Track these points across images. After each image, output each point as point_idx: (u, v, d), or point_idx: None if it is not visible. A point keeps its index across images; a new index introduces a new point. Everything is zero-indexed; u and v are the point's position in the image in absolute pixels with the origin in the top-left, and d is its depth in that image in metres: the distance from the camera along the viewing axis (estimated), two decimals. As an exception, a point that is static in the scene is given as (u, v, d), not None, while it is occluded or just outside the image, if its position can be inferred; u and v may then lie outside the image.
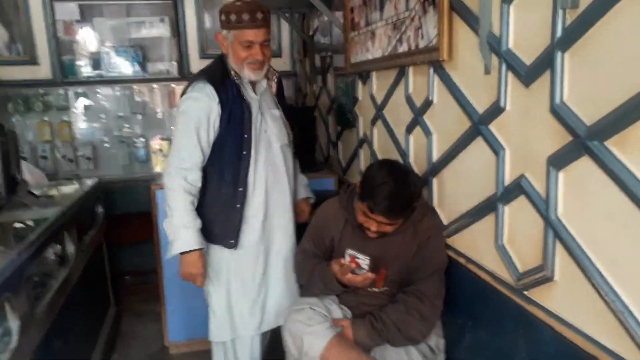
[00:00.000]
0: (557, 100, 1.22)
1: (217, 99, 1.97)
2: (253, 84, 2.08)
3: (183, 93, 2.07)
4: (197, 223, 2.00)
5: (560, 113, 1.22)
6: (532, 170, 1.36)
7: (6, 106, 4.00)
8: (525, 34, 1.35)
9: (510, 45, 1.40)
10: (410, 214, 1.82)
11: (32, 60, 3.90)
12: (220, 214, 2.07)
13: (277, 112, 2.16)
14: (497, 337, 1.60)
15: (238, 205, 2.05)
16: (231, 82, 2.02)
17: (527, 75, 1.33)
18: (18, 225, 2.33)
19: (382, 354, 1.83)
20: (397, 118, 2.23)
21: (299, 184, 2.34)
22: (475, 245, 1.70)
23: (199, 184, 2.02)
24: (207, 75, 2.02)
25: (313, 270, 1.94)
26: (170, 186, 1.98)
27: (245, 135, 2.02)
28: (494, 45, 1.46)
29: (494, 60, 1.47)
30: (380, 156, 2.46)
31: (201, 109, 1.97)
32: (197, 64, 4.13)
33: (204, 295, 2.26)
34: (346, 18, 2.63)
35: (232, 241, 2.08)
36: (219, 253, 2.13)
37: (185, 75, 4.15)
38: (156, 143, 4.31)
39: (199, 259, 2.00)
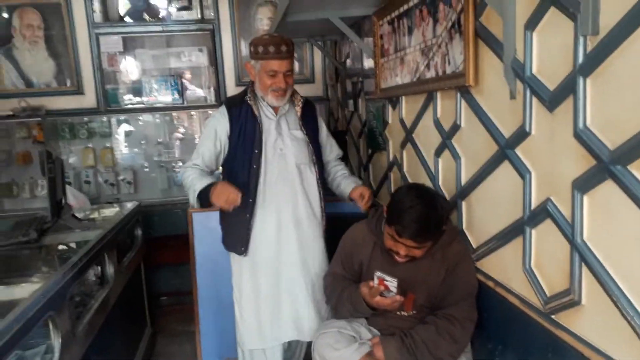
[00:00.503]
0: (581, 125, 1.23)
1: (227, 116, 2.26)
2: (275, 108, 2.29)
3: None
4: (207, 177, 2.23)
5: (583, 137, 1.23)
6: (557, 194, 1.37)
7: (54, 134, 4.21)
8: (548, 59, 1.37)
9: (534, 71, 1.42)
10: (438, 238, 1.83)
11: (79, 90, 4.12)
12: (232, 223, 2.30)
13: (299, 134, 2.32)
14: (527, 361, 1.59)
15: (247, 215, 2.23)
16: (245, 104, 2.26)
17: (551, 100, 1.34)
18: (62, 247, 2.45)
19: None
20: (426, 142, 2.25)
21: (347, 181, 2.45)
22: (503, 268, 1.70)
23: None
24: (228, 99, 2.42)
25: (342, 293, 1.96)
26: (182, 172, 2.31)
27: (256, 151, 2.23)
28: (518, 71, 1.48)
29: (519, 85, 1.49)
30: (410, 179, 2.49)
31: (212, 125, 2.29)
32: (233, 91, 4.26)
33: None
34: (376, 45, 2.69)
35: (243, 248, 2.27)
36: (237, 262, 2.32)
37: (222, 102, 4.28)
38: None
39: (218, 186, 2.10)
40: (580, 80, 1.23)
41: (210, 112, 4.42)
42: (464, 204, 1.95)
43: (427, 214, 1.74)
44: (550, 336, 1.42)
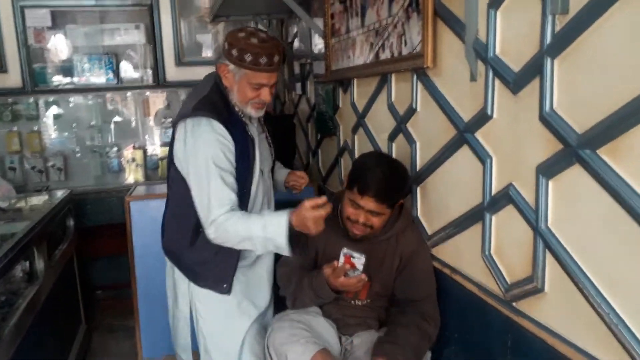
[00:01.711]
0: (547, 107, 1.20)
1: (230, 138, 1.81)
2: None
3: (175, 123, 1.91)
4: (263, 213, 1.84)
5: (550, 121, 1.19)
6: (520, 179, 1.33)
7: (-27, 116, 3.86)
8: (512, 40, 1.33)
9: (498, 51, 1.37)
10: (398, 202, 1.79)
11: (1, 69, 3.77)
12: (218, 254, 1.90)
13: (263, 136, 2.05)
14: (485, 349, 1.56)
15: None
16: (237, 120, 1.87)
17: (515, 82, 1.30)
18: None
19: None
20: (379, 126, 2.19)
21: (277, 169, 2.23)
22: (460, 255, 1.67)
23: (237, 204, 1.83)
24: (214, 112, 1.81)
25: (301, 280, 1.87)
26: (220, 234, 1.79)
27: (250, 173, 1.89)
28: (480, 52, 1.43)
29: (480, 67, 1.44)
30: (361, 165, 2.42)
31: (218, 149, 1.79)
32: (173, 72, 4.07)
33: None
34: (326, 24, 2.59)
35: (225, 286, 1.94)
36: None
37: (160, 83, 4.06)
38: (129, 152, 4.22)
39: (297, 214, 1.71)
40: (548, 62, 1.19)
41: (147, 93, 4.20)
42: (418, 190, 1.90)
43: (389, 172, 1.75)
44: (511, 324, 1.40)
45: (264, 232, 1.74)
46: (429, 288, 1.82)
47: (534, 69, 1.23)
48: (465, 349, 1.70)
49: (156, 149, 4.29)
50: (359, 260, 1.72)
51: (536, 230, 1.27)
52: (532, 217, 1.28)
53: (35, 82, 3.91)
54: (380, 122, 2.15)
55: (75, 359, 2.93)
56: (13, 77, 3.82)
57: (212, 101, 1.86)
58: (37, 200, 3.11)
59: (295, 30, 3.51)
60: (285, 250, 1.74)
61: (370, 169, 1.74)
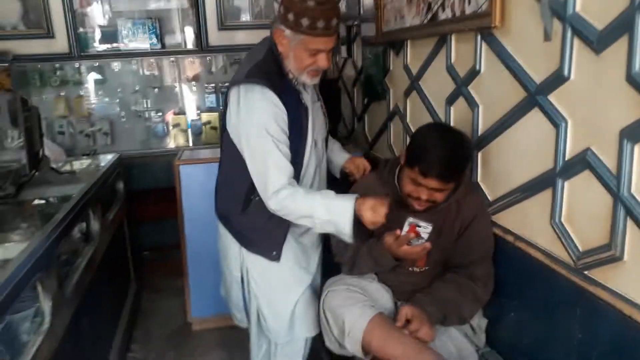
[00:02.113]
0: (637, 67, 1.12)
1: (282, 106, 1.78)
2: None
3: (228, 89, 1.88)
4: (328, 193, 1.80)
5: (639, 81, 1.12)
6: (599, 144, 1.27)
7: (22, 81, 3.93)
8: (596, -5, 1.24)
9: (578, 8, 1.29)
10: (462, 180, 1.74)
11: (48, 34, 3.81)
12: (269, 222, 1.91)
13: (318, 104, 2.01)
14: (548, 317, 1.53)
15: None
16: (291, 88, 1.84)
17: (599, 41, 1.22)
18: (43, 203, 2.28)
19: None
20: (436, 89, 2.12)
21: (334, 148, 2.21)
22: (526, 222, 1.62)
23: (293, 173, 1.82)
24: (267, 79, 1.77)
25: (359, 247, 1.86)
26: (282, 207, 1.79)
27: (302, 143, 1.87)
28: (557, 10, 1.35)
29: (556, 25, 1.37)
30: (413, 129, 2.36)
31: (270, 118, 1.77)
32: (215, 36, 4.04)
33: None
34: (378, -15, 2.51)
35: (275, 253, 1.97)
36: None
37: (203, 48, 4.04)
38: (173, 117, 4.24)
39: (365, 202, 1.70)
40: (639, 18, 1.11)
41: (190, 58, 4.19)
42: (480, 155, 1.84)
43: (453, 151, 1.65)
44: (582, 292, 1.36)
45: (327, 214, 1.73)
46: (484, 252, 1.78)
47: (623, 26, 1.15)
48: (525, 316, 1.67)
49: (200, 114, 4.30)
50: (425, 230, 1.68)
51: (617, 197, 1.21)
52: (613, 183, 1.22)
53: (82, 47, 3.94)
54: (438, 84, 2.09)
55: (128, 316, 3.03)
56: (60, 43, 3.87)
57: (265, 68, 1.82)
58: (87, 163, 3.17)
59: (341, -10, 3.42)
60: (347, 236, 1.73)
61: (433, 148, 1.64)
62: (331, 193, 1.80)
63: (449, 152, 1.64)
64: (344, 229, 1.71)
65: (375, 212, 1.68)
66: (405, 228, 1.70)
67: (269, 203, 1.80)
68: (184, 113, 4.29)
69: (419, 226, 1.68)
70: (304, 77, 1.83)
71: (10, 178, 2.24)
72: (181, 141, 4.25)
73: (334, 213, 1.72)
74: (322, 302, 1.83)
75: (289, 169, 1.79)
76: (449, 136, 1.70)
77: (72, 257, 2.21)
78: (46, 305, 1.67)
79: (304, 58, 1.78)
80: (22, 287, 1.46)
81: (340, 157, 2.18)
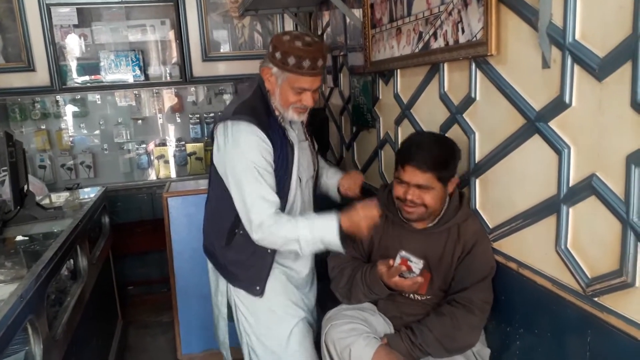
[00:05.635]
0: (642, 93, 1.14)
1: (268, 142, 1.79)
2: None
3: (215, 126, 1.89)
4: (310, 215, 1.86)
5: (644, 107, 1.13)
6: (605, 170, 1.27)
7: (2, 114, 3.85)
8: (595, 23, 1.26)
9: (577, 36, 1.31)
10: (447, 175, 1.72)
11: (29, 67, 3.75)
12: (252, 257, 1.91)
13: (306, 144, 2.01)
14: (557, 345, 1.51)
15: (269, 251, 1.89)
16: (277, 125, 1.85)
17: (602, 68, 1.24)
18: (28, 240, 2.20)
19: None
20: (428, 117, 2.13)
21: (329, 173, 2.19)
22: (529, 249, 1.61)
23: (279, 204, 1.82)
24: (254, 117, 1.78)
25: (354, 274, 1.83)
26: (266, 236, 1.78)
27: (287, 179, 1.87)
28: (555, 37, 1.37)
29: (555, 53, 1.38)
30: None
31: (257, 153, 1.77)
32: (199, 67, 4.02)
33: None
34: (365, 15, 2.54)
35: (258, 288, 1.93)
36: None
37: (187, 79, 4.03)
38: (157, 149, 4.19)
39: (348, 215, 1.72)
40: (642, 45, 1.13)
41: (174, 89, 4.17)
42: (477, 182, 1.84)
43: (430, 139, 1.76)
44: (592, 319, 1.35)
45: (311, 232, 1.73)
46: (483, 276, 1.75)
47: (626, 53, 1.17)
48: (532, 345, 1.65)
49: (184, 145, 4.25)
50: (417, 265, 1.68)
51: (627, 222, 1.21)
52: (622, 208, 1.22)
53: (63, 80, 3.89)
54: (430, 112, 2.10)
55: (116, 354, 2.92)
56: (41, 76, 3.81)
57: (252, 105, 1.85)
58: (72, 198, 3.10)
59: (325, 21, 3.45)
60: (336, 245, 1.73)
61: (410, 140, 1.77)
62: (313, 214, 1.83)
63: (425, 140, 1.76)
64: (332, 238, 1.72)
65: (365, 208, 1.71)
66: (397, 260, 1.70)
67: (254, 234, 1.78)
68: (169, 144, 4.25)
69: (411, 261, 1.68)
70: (289, 113, 1.85)
71: (-6, 215, 2.17)
72: (167, 172, 4.19)
73: (319, 228, 1.73)
74: (325, 336, 1.79)
75: (274, 199, 1.79)
76: (428, 133, 1.88)
77: (61, 295, 2.13)
78: (37, 348, 1.59)
79: (290, 95, 1.81)
80: (15, 330, 1.40)
81: (335, 178, 2.18)
